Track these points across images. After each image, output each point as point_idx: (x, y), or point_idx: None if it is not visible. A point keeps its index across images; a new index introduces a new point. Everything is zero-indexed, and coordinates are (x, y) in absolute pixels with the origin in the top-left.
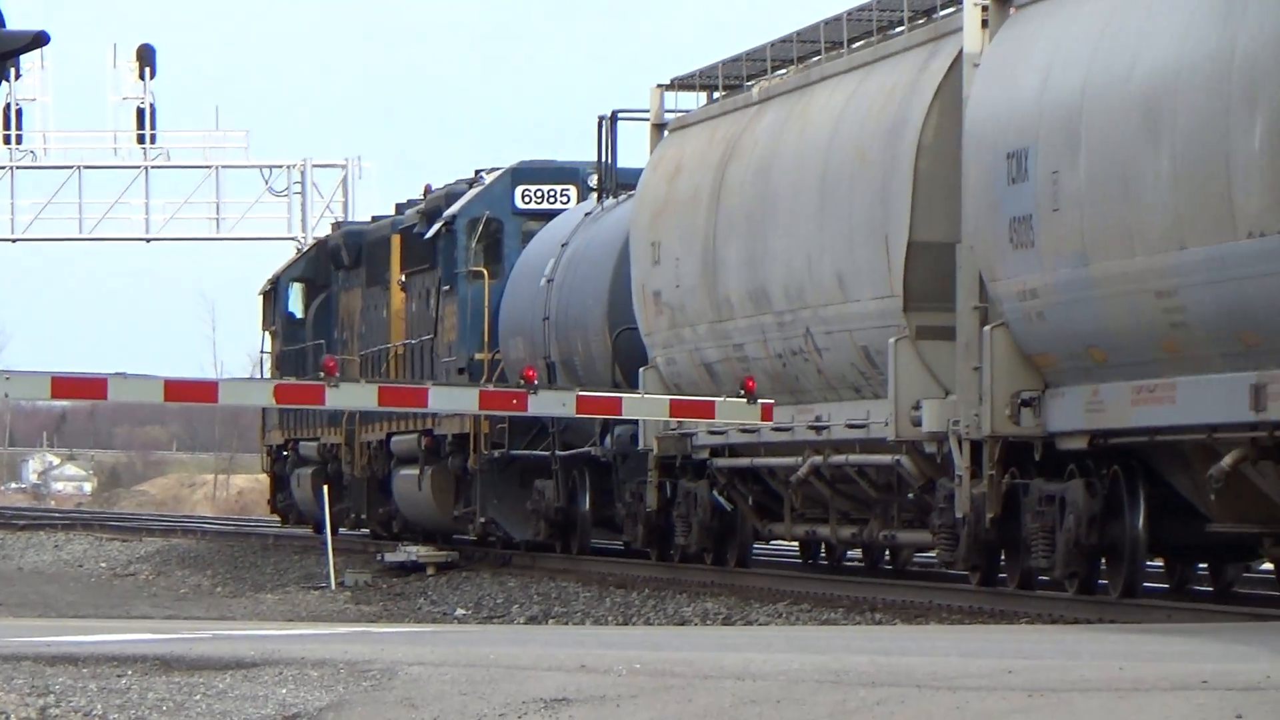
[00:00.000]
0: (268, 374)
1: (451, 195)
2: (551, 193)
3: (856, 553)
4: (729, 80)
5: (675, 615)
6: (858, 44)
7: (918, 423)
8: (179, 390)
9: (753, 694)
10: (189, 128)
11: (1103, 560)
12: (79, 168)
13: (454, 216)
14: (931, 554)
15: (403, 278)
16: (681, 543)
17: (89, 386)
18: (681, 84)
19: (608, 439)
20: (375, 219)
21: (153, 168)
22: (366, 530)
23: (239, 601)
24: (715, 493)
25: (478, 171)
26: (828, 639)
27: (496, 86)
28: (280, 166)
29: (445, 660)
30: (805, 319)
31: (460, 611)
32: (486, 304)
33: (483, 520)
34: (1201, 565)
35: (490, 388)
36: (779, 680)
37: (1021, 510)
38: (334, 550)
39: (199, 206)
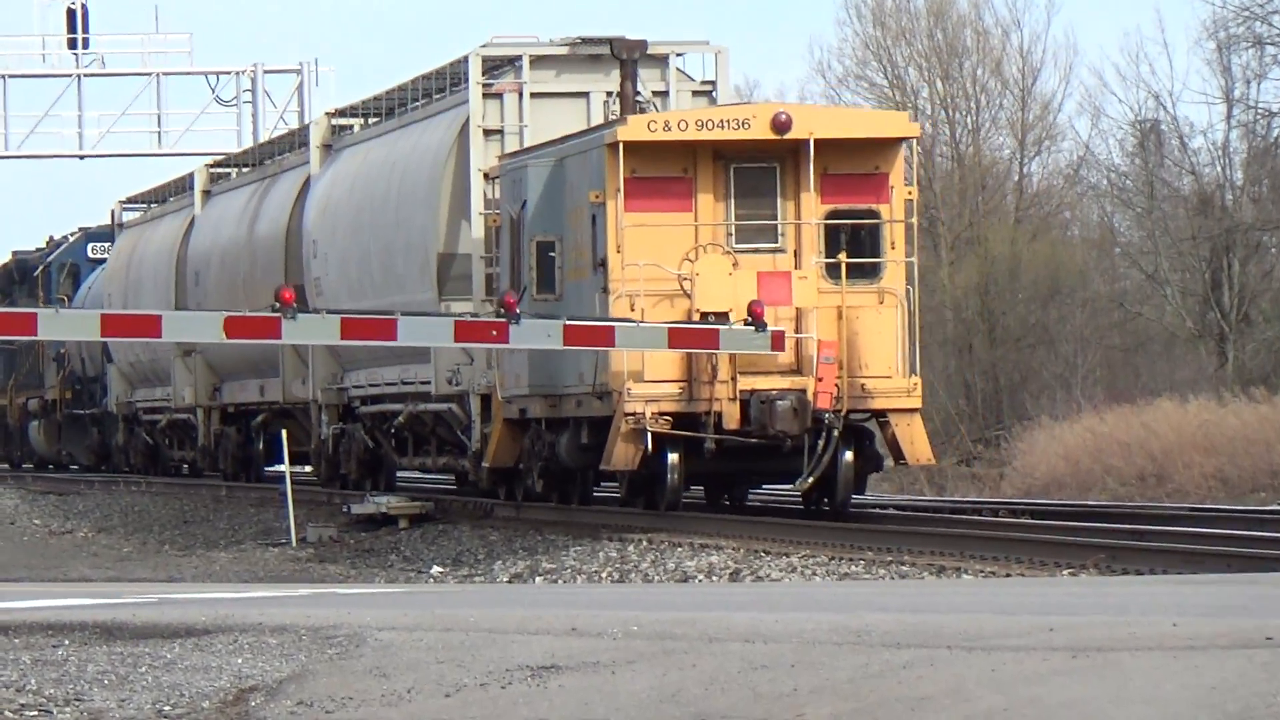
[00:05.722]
0: None
1: (57, 246)
2: (107, 248)
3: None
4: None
5: (677, 571)
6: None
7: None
8: (119, 324)
9: (764, 658)
10: (126, 30)
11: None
12: (4, 76)
13: (50, 262)
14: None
15: (41, 294)
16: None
17: (18, 322)
18: (130, 198)
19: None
20: (37, 249)
21: (86, 76)
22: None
23: (189, 561)
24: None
25: (79, 229)
26: (845, 595)
27: None
28: (228, 73)
29: (420, 625)
30: None
31: (436, 569)
32: None
33: (66, 452)
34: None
35: (468, 318)
36: (792, 643)
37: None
38: (294, 502)
39: (138, 119)
